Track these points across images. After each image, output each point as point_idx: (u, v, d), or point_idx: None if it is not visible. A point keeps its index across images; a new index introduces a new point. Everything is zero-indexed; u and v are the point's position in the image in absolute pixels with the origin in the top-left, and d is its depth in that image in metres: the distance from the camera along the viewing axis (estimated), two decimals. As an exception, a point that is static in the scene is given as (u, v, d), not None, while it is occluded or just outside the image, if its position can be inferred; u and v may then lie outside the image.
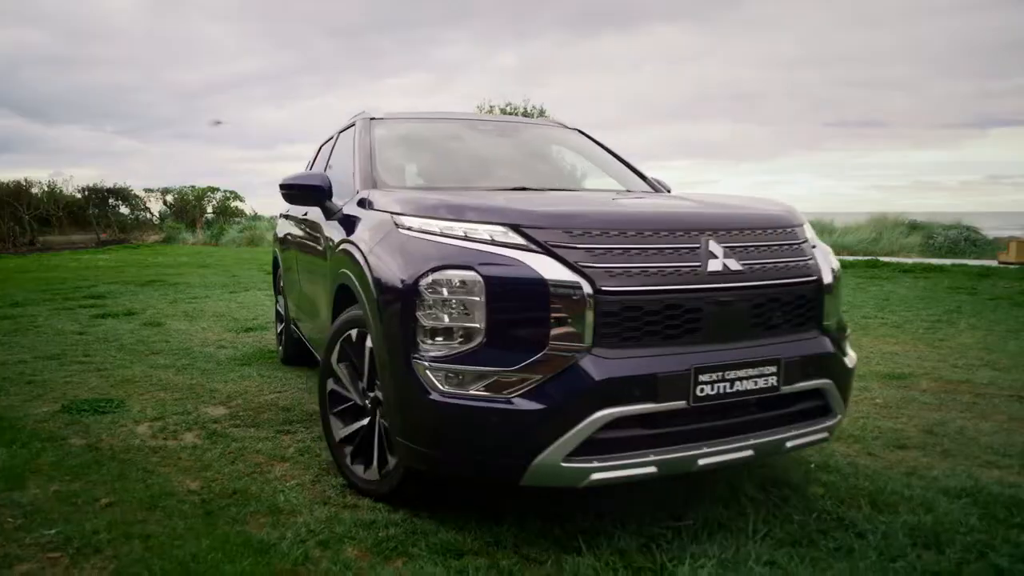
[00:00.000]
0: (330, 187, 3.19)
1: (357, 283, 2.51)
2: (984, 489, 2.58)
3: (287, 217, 4.80)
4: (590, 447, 2.03)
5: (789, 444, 2.30)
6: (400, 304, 2.19)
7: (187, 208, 28.56)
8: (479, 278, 2.08)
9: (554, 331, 2.03)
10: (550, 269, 2.06)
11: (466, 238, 2.20)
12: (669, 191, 3.75)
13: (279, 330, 5.25)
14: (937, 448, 3.09)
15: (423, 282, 2.14)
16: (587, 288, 2.04)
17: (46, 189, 25.85)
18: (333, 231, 3.06)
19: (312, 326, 3.79)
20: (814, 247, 2.53)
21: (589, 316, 2.04)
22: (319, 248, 3.37)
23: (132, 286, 9.95)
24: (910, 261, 12.42)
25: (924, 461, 2.93)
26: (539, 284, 2.04)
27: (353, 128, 3.64)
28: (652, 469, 2.08)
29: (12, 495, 2.56)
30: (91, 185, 26.79)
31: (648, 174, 3.92)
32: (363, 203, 2.83)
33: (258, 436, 3.29)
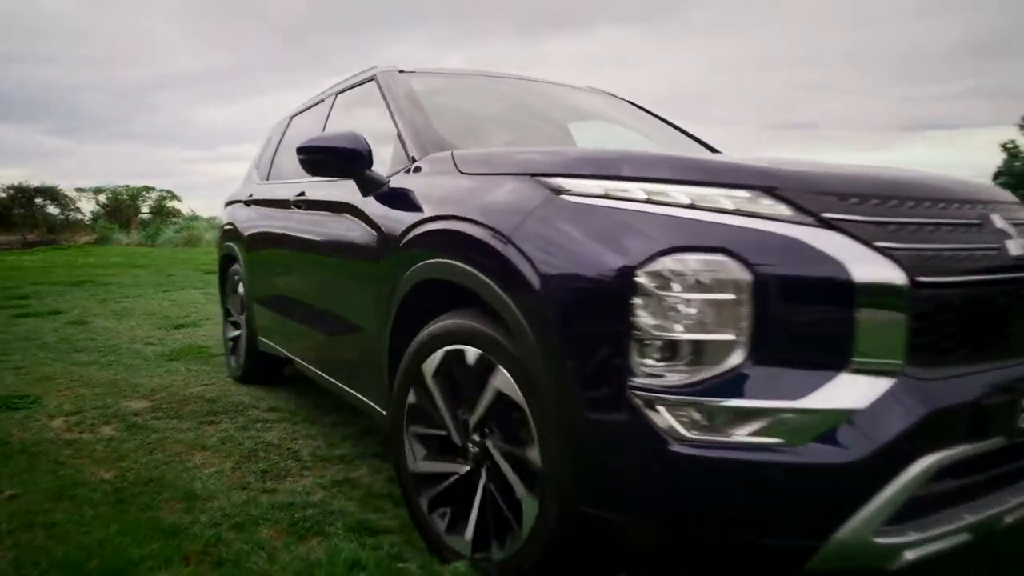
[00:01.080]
0: (370, 152, 2.42)
1: (489, 279, 1.73)
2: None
3: (255, 204, 3.97)
4: (906, 510, 1.40)
5: None
6: (599, 309, 1.48)
7: (121, 208, 27.67)
8: (739, 265, 1.38)
9: (857, 343, 1.38)
10: (847, 251, 1.40)
11: (694, 206, 1.48)
12: None
13: (229, 338, 4.45)
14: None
15: (644, 272, 1.41)
16: (901, 279, 1.40)
17: (-33, 189, 24.67)
18: (386, 211, 2.35)
19: (321, 342, 3.06)
20: None
21: (905, 320, 1.40)
22: (354, 238, 2.55)
23: (59, 286, 9.57)
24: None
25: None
26: (834, 273, 1.38)
27: (371, 84, 2.94)
28: (965, 536, 1.46)
29: (-91, 490, 2.46)
30: (16, 184, 25.68)
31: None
32: (426, 170, 2.26)
33: (180, 427, 3.23)
